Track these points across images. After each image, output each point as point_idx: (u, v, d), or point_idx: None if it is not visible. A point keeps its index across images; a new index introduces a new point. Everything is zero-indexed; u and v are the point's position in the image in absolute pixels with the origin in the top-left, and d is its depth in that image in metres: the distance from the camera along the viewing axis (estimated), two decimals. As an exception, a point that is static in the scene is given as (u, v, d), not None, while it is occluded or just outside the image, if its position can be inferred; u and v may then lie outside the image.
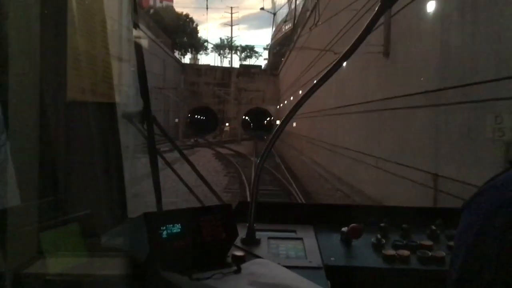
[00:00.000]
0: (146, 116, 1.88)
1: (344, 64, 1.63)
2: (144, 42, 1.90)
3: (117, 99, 1.82)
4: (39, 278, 1.23)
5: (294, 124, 30.20)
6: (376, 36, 10.19)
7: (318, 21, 17.33)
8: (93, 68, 1.69)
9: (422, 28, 8.26)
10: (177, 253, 1.36)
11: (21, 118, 1.42)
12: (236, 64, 75.39)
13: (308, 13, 25.68)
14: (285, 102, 41.03)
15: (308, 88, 1.62)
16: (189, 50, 74.46)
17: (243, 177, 18.12)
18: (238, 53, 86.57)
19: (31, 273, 1.24)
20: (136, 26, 1.98)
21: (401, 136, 9.34)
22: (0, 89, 1.20)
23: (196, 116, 58.43)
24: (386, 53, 10.25)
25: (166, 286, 1.26)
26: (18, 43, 1.37)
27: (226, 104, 56.19)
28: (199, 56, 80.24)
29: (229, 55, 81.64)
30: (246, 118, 61.34)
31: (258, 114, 58.39)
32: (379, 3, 1.39)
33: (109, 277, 1.26)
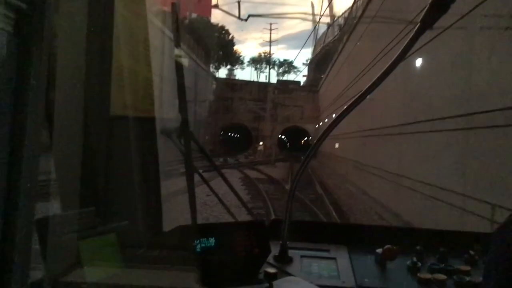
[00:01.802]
0: (184, 132, 1.92)
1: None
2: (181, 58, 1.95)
3: (157, 114, 1.87)
4: (76, 286, 1.26)
5: (337, 145, 27.94)
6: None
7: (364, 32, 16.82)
8: (136, 84, 1.75)
9: None
10: (211, 267, 1.37)
11: (65, 130, 1.48)
12: (274, 79, 71.21)
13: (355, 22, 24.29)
14: (325, 120, 38.70)
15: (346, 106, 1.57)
16: (224, 63, 70.34)
17: (272, 216, 10.70)
18: (276, 68, 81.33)
19: (68, 282, 1.27)
20: (177, 45, 2.04)
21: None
22: (46, 103, 1.26)
23: (229, 134, 55.73)
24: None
25: None
26: (65, 59, 1.44)
27: (261, 122, 52.36)
28: (235, 71, 76.87)
29: (266, 70, 77.93)
30: (282, 137, 58.35)
31: (295, 133, 55.21)
32: (418, 25, 1.38)
33: (144, 288, 1.29)
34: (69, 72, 1.49)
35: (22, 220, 0.99)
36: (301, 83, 67.12)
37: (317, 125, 48.27)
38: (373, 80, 1.52)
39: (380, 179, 14.78)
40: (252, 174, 24.73)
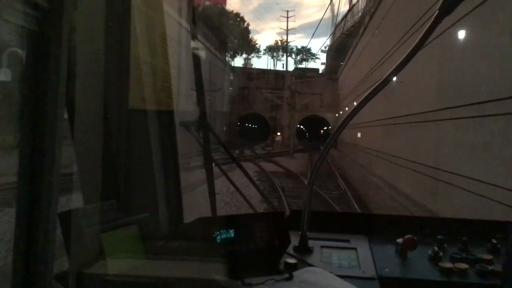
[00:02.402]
0: (202, 124, 1.93)
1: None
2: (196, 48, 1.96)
3: (175, 107, 1.88)
4: (99, 278, 1.28)
5: (359, 135, 26.42)
6: None
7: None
8: (153, 77, 1.76)
9: None
10: (230, 258, 1.38)
11: (86, 125, 1.50)
12: (291, 67, 68.12)
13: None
14: (346, 109, 36.97)
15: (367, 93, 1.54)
16: (239, 52, 67.59)
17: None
18: (293, 55, 77.54)
19: (92, 273, 1.29)
20: (194, 37, 2.05)
21: None
22: (67, 97, 1.27)
23: (246, 124, 54.06)
24: None
25: None
26: (84, 54, 1.45)
27: (278, 111, 49.86)
28: (251, 60, 73.94)
29: (283, 58, 75.10)
30: (301, 126, 56.52)
31: (314, 123, 53.42)
32: (436, 12, 1.36)
33: (165, 279, 1.30)
34: (88, 67, 1.51)
35: (46, 214, 1.01)
36: (320, 71, 64.21)
37: (337, 114, 46.70)
38: (392, 69, 1.51)
39: (410, 172, 13.42)
40: (269, 167, 22.25)
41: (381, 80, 1.55)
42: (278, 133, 48.68)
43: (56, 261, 1.10)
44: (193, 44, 2.03)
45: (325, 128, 53.81)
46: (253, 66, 67.96)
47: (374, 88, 1.56)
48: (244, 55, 71.42)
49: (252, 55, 74.96)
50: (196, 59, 1.95)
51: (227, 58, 54.87)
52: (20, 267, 1.00)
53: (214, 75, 37.49)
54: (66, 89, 1.18)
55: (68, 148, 1.38)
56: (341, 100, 45.93)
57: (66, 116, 1.33)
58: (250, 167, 20.77)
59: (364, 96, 1.59)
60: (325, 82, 52.63)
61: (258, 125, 53.94)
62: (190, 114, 1.96)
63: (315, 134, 55.16)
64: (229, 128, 43.66)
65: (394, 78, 1.53)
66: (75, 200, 1.52)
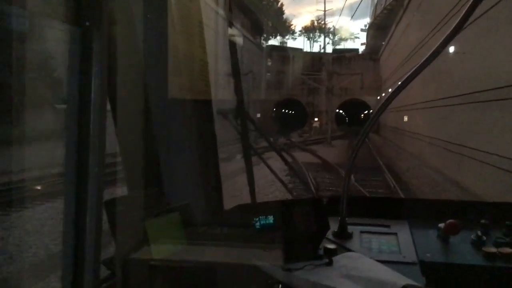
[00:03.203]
0: (240, 112, 1.95)
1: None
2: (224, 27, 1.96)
3: (213, 96, 1.90)
4: (144, 263, 1.33)
5: (405, 119, 23.44)
6: None
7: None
8: (191, 67, 1.78)
9: None
10: (270, 244, 1.40)
11: (127, 115, 1.54)
12: (329, 49, 60.91)
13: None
14: (389, 90, 33.01)
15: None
16: (273, 34, 61.30)
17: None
18: (331, 36, 68.53)
19: (137, 259, 1.34)
20: (231, 25, 2.06)
21: None
22: (109, 89, 1.31)
23: (282, 110, 50.33)
24: None
25: (260, 275, 1.31)
26: (124, 46, 1.48)
27: (316, 96, 46.02)
28: (287, 43, 68.56)
29: (320, 39, 69.40)
30: (340, 111, 52.25)
31: (354, 107, 48.59)
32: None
33: (206, 264, 1.33)
34: (128, 58, 1.54)
35: (92, 202, 1.05)
36: (359, 51, 58.99)
37: (378, 97, 42.87)
38: (433, 49, 1.46)
39: (476, 163, 10.91)
40: (303, 157, 19.66)
41: (425, 58, 1.50)
42: (316, 119, 46.00)
43: (103, 247, 1.14)
44: (230, 31, 2.04)
45: (366, 112, 49.64)
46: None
47: (418, 67, 1.52)
48: (279, 38, 66.74)
49: (288, 37, 70.67)
50: (232, 47, 1.96)
51: (261, 41, 51.33)
52: (69, 254, 1.05)
53: (248, 60, 35.02)
54: (108, 80, 1.21)
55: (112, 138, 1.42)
56: (383, 82, 42.59)
57: (108, 107, 1.37)
58: (276, 160, 15.45)
59: (408, 75, 1.55)
60: (366, 63, 48.53)
61: (295, 110, 50.71)
62: (228, 103, 1.97)
63: (355, 119, 50.33)
64: (264, 114, 39.94)
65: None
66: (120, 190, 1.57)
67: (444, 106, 14.69)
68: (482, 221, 1.72)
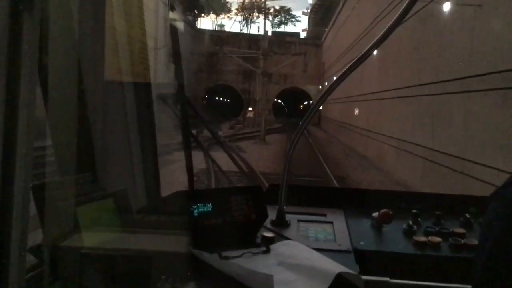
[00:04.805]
0: (180, 97, 1.91)
1: None
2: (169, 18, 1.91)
3: (152, 79, 1.85)
4: (75, 251, 1.27)
5: (357, 112, 20.68)
6: None
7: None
8: (130, 48, 1.72)
9: None
10: (208, 232, 1.39)
11: (60, 97, 1.46)
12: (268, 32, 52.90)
13: None
14: (334, 78, 30.14)
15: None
16: (206, 12, 54.60)
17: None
18: (270, 17, 64.98)
19: (67, 246, 1.28)
20: (172, 8, 2.01)
21: None
22: (40, 68, 1.24)
23: (215, 98, 47.06)
24: None
25: (196, 263, 1.29)
26: (57, 24, 1.41)
27: (252, 82, 41.43)
28: (221, 22, 62.15)
29: (258, 20, 63.60)
30: (279, 101, 50.21)
31: (294, 96, 47.87)
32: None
33: (142, 252, 1.30)
34: (62, 37, 1.46)
35: (19, 186, 0.99)
36: (301, 35, 57.04)
37: (320, 86, 41.58)
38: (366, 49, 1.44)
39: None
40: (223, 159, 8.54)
41: (364, 51, 1.49)
42: (250, 108, 42.25)
43: (29, 234, 1.08)
44: (171, 15, 1.99)
45: (306, 102, 48.36)
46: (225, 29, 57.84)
47: (361, 56, 1.52)
48: (212, 16, 61.07)
49: (222, 16, 65.11)
50: (173, 30, 1.91)
51: (193, 19, 46.86)
52: (-8, 240, 0.98)
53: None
54: (39, 60, 1.14)
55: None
56: (325, 70, 40.78)
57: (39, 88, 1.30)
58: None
59: (347, 66, 1.55)
60: (307, 49, 46.38)
61: (230, 98, 47.46)
62: (168, 87, 1.93)
63: (295, 110, 49.65)
64: (194, 101, 34.84)
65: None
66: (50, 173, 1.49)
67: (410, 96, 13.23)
68: (414, 210, 1.79)
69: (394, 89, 14.71)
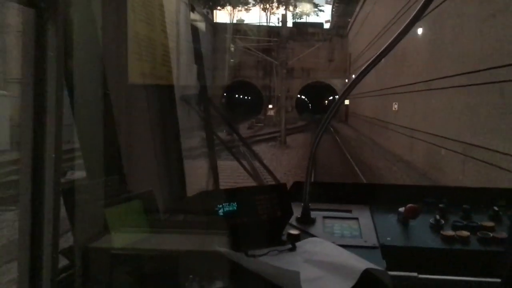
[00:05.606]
0: (203, 98, 1.92)
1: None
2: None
3: (175, 81, 1.87)
4: (104, 252, 1.30)
5: (396, 106, 17.34)
6: None
7: None
8: (153, 52, 1.75)
9: None
10: (233, 231, 1.40)
11: (86, 101, 1.49)
12: (289, 23, 45.63)
13: None
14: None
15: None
16: (222, 4, 48.57)
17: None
18: (291, 8, 57.90)
19: (97, 247, 1.31)
20: (193, 9, 2.03)
21: None
22: (66, 73, 1.26)
23: (235, 95, 44.62)
24: None
25: (224, 262, 1.30)
26: (82, 30, 1.43)
27: (273, 78, 37.76)
28: (239, 14, 57.80)
29: (278, 11, 56.83)
30: (302, 96, 47.39)
31: (318, 91, 44.90)
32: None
33: (169, 252, 1.32)
34: (87, 43, 1.49)
35: (49, 189, 1.01)
36: (324, 25, 52.50)
37: (347, 79, 37.97)
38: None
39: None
40: (226, 174, 8.05)
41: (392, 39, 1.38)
42: (270, 106, 39.18)
43: (62, 236, 1.11)
44: (192, 16, 2.01)
45: (331, 98, 44.95)
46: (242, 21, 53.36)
47: (387, 45, 1.45)
48: (229, 8, 53.50)
49: (240, 8, 57.66)
50: (195, 32, 1.93)
51: (208, 12, 42.06)
52: (26, 244, 1.01)
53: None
54: (65, 65, 1.17)
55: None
56: (352, 62, 37.42)
57: (66, 93, 1.32)
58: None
59: (372, 59, 1.47)
60: (332, 40, 43.10)
61: (250, 95, 44.78)
62: (191, 88, 1.95)
63: (319, 106, 47.24)
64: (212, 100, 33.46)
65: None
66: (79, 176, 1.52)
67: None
68: (441, 205, 1.77)
69: (452, 76, 11.14)
